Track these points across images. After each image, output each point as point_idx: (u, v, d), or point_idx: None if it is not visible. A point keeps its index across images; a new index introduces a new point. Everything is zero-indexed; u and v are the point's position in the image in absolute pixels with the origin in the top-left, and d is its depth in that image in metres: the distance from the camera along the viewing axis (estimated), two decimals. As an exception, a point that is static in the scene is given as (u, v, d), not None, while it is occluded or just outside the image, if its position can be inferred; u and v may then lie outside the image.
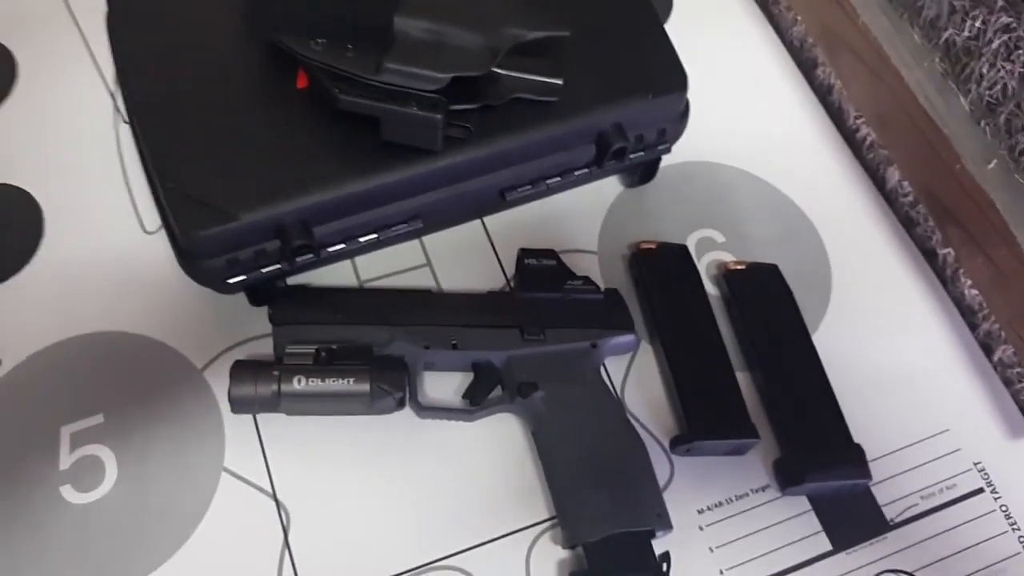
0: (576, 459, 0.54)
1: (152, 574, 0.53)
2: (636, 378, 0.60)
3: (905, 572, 0.55)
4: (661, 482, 0.56)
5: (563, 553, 0.54)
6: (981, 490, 0.58)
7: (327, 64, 0.50)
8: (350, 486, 0.56)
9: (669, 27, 0.60)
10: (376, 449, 0.57)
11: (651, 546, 0.53)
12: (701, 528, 0.56)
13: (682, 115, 0.61)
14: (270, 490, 0.55)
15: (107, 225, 0.63)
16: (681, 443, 0.57)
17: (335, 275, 0.61)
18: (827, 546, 0.56)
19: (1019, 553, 0.57)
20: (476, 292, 0.61)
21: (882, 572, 0.55)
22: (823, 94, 0.73)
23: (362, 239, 0.56)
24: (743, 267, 0.63)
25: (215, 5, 0.57)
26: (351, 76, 0.50)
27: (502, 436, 0.58)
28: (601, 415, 0.56)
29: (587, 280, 0.60)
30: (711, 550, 0.55)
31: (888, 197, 0.69)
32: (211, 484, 0.55)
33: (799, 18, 0.74)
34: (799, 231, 0.66)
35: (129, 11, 0.58)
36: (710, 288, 0.63)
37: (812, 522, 0.57)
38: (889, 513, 0.57)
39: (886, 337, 0.63)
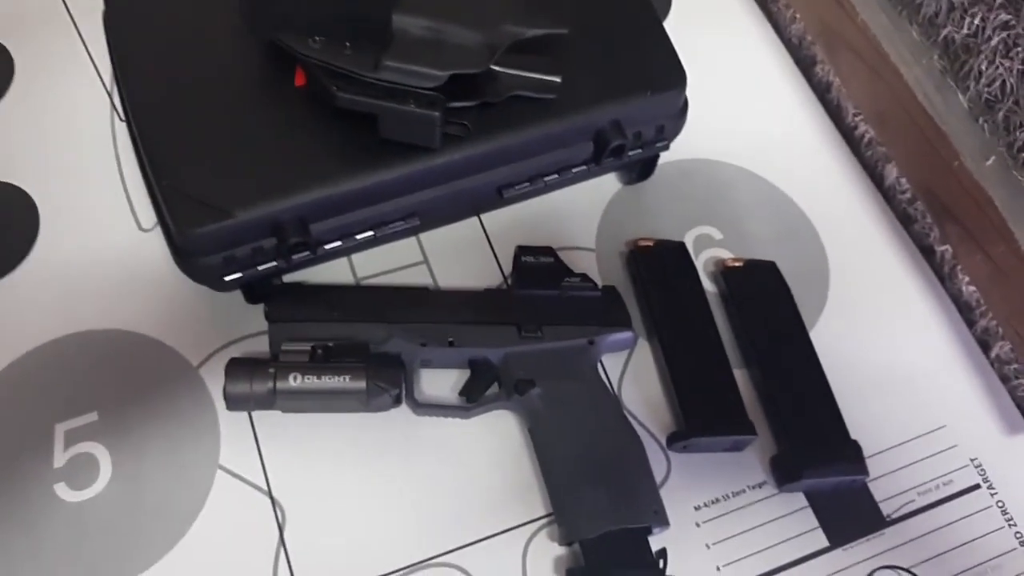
0: (573, 456, 0.54)
1: (147, 572, 0.53)
2: (633, 375, 0.60)
3: (902, 568, 0.56)
4: (658, 479, 0.56)
5: (560, 550, 0.54)
6: (978, 486, 0.58)
7: (325, 62, 0.50)
8: (346, 483, 0.56)
9: (668, 25, 0.61)
10: (372, 446, 0.56)
11: (648, 543, 0.53)
12: (698, 525, 0.56)
13: (680, 112, 0.61)
14: (265, 487, 0.55)
15: (103, 223, 0.63)
16: (678, 440, 0.57)
17: (332, 273, 0.61)
18: (824, 542, 0.56)
19: (1015, 549, 0.57)
20: (473, 289, 0.61)
21: (879, 568, 0.55)
22: (822, 92, 0.73)
23: (359, 236, 0.56)
24: (741, 264, 0.63)
25: (212, 2, 0.57)
26: (349, 74, 0.50)
27: (499, 433, 0.58)
28: (598, 412, 0.56)
29: (585, 277, 0.60)
30: (708, 546, 0.55)
31: (886, 194, 0.69)
32: (206, 482, 0.55)
33: (798, 16, 0.74)
34: (797, 228, 0.66)
35: (126, 9, 0.58)
36: (708, 285, 0.63)
37: (809, 518, 0.57)
38: (886, 509, 0.57)
39: (883, 334, 0.63)
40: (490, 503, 0.55)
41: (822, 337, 0.61)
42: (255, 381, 0.53)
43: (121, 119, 0.66)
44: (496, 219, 0.64)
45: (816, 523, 0.56)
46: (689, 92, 0.60)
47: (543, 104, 0.55)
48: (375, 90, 0.50)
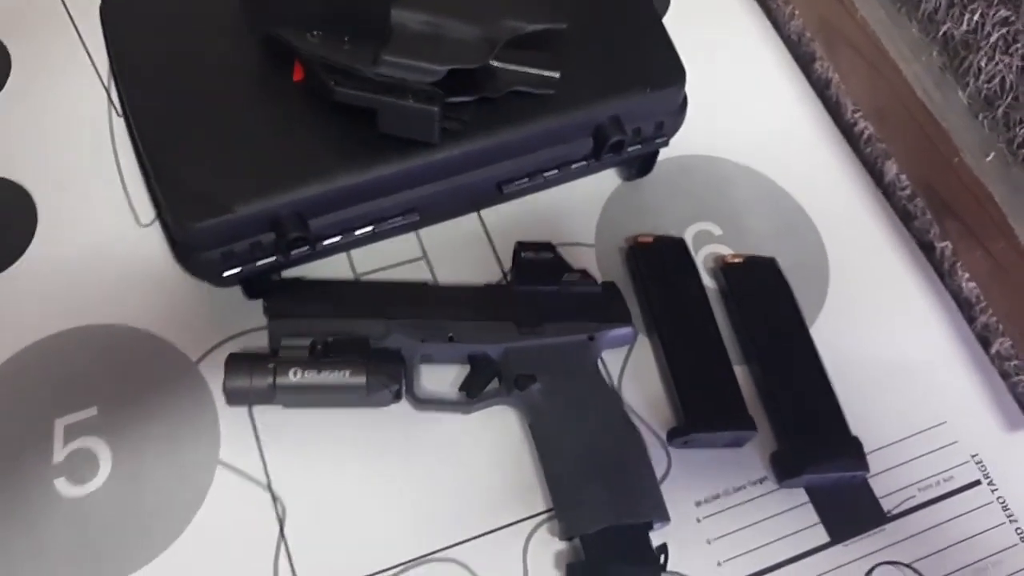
0: (573, 451, 0.54)
1: (147, 567, 0.52)
2: (633, 371, 0.60)
3: (902, 564, 0.55)
4: (658, 474, 0.56)
5: (560, 545, 0.54)
6: (978, 482, 0.58)
7: (323, 57, 0.50)
8: (346, 478, 0.55)
9: (667, 21, 0.61)
10: (372, 442, 0.56)
11: (648, 538, 0.53)
12: (698, 520, 0.56)
13: (680, 108, 0.61)
14: (265, 482, 0.55)
15: (101, 218, 0.62)
16: (678, 435, 0.57)
17: (331, 268, 0.61)
18: (824, 538, 0.56)
19: (1016, 544, 0.57)
20: (473, 285, 0.61)
21: (879, 564, 0.55)
22: (821, 88, 0.73)
23: (358, 232, 0.56)
24: (741, 260, 0.63)
25: (210, -3, 0.57)
26: (348, 68, 0.50)
27: (499, 429, 0.57)
28: (598, 408, 0.56)
29: (584, 273, 0.60)
30: (708, 542, 0.55)
31: (886, 190, 0.69)
32: (206, 477, 0.55)
33: (797, 12, 0.74)
34: (797, 224, 0.66)
35: (123, 4, 0.58)
36: (708, 281, 0.63)
37: (809, 514, 0.57)
38: (886, 505, 0.57)
39: (883, 330, 0.63)
40: (490, 498, 0.55)
41: (822, 333, 0.61)
42: (255, 376, 0.53)
43: (119, 114, 0.66)
44: (495, 215, 0.64)
45: (817, 519, 0.56)
46: (688, 88, 0.60)
47: (542, 100, 0.55)
48: (374, 85, 0.50)
